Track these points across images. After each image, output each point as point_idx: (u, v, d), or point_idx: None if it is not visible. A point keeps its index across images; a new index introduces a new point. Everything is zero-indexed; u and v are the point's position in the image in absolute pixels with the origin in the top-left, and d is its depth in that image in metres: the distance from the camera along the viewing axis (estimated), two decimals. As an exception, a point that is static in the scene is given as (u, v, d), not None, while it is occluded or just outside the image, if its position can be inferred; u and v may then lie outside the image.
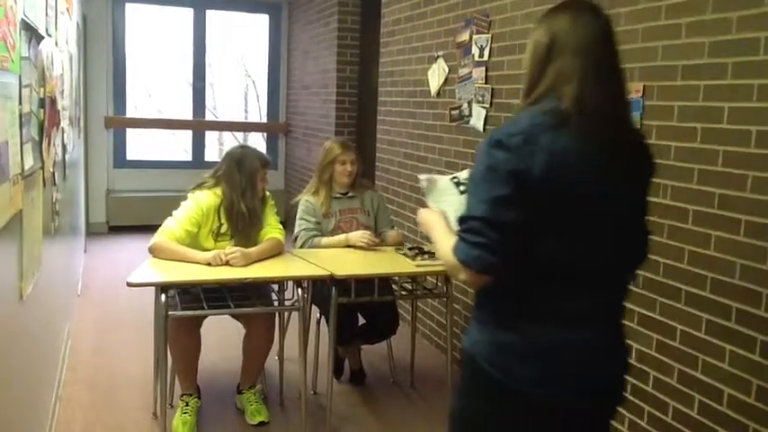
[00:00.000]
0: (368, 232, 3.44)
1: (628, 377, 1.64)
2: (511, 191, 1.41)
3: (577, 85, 1.45)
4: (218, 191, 3.20)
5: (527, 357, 1.47)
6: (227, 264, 2.98)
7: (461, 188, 1.78)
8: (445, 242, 1.54)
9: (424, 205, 1.85)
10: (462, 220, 1.48)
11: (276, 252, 3.23)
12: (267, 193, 3.40)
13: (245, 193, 3.19)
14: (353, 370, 3.73)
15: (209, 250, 3.07)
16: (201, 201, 3.18)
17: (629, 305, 2.70)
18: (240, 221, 3.19)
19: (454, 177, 1.83)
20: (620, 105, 1.52)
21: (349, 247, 3.41)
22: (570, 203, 1.45)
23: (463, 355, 1.59)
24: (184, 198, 3.23)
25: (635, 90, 2.66)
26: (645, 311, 2.64)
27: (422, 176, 1.88)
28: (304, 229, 3.46)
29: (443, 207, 1.74)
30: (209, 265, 2.96)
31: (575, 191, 1.44)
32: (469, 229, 1.45)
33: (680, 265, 2.48)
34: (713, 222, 2.35)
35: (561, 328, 1.48)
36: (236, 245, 3.10)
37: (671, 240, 2.52)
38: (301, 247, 3.44)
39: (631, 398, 2.71)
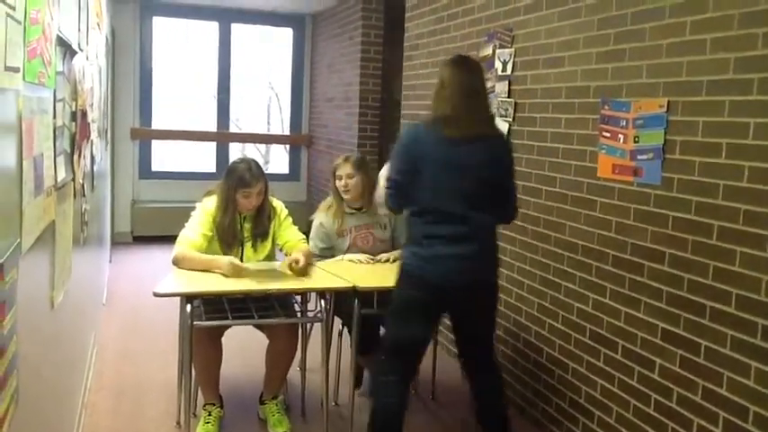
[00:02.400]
0: (364, 255, 3.47)
1: (488, 278, 2.83)
2: (403, 165, 2.71)
3: (448, 105, 2.66)
4: None
5: (428, 261, 2.67)
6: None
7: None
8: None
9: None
10: (387, 179, 2.78)
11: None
12: (279, 207, 3.44)
13: (224, 207, 3.25)
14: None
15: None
16: (207, 207, 3.28)
17: (653, 320, 2.70)
18: (219, 232, 3.25)
19: None
20: (478, 115, 2.70)
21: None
22: (430, 170, 2.63)
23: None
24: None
25: (659, 105, 2.66)
26: (669, 327, 2.63)
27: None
28: None
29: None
30: (226, 275, 3.01)
31: (436, 164, 2.63)
32: (388, 184, 2.77)
33: (704, 281, 2.47)
34: (738, 238, 2.34)
35: (441, 245, 2.66)
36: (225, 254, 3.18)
37: (696, 256, 2.51)
38: None
39: (655, 414, 2.69)
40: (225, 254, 3.20)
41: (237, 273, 3.02)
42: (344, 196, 3.52)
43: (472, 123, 2.65)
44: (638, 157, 2.77)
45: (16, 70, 1.45)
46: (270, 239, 3.38)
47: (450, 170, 2.63)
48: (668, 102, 2.63)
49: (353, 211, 3.56)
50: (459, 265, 2.68)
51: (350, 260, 3.44)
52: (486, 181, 2.68)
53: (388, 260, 3.46)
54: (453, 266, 2.67)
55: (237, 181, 3.23)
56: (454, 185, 2.64)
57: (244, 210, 3.28)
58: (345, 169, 3.49)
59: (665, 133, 2.64)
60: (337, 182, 3.51)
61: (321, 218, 3.57)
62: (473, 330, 2.90)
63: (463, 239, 2.67)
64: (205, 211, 3.27)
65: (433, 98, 2.75)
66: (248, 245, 3.32)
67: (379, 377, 2.87)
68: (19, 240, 1.51)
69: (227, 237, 3.25)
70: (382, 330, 3.51)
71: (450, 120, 2.63)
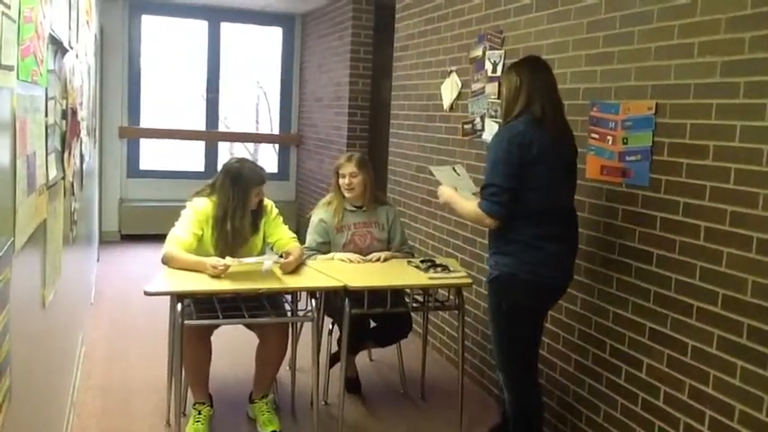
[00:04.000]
0: (355, 255, 3.48)
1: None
2: (515, 170, 2.55)
3: (541, 105, 2.61)
4: (214, 199, 3.27)
5: (542, 264, 2.61)
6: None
7: (457, 173, 2.95)
8: (468, 204, 2.74)
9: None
10: (486, 185, 2.60)
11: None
12: (269, 205, 3.44)
13: (235, 212, 3.21)
14: (349, 377, 3.62)
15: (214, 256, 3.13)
16: (198, 207, 3.25)
17: (640, 320, 2.73)
18: (221, 238, 3.22)
19: (453, 168, 2.99)
20: (561, 113, 2.71)
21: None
22: (543, 171, 2.57)
23: (493, 277, 2.69)
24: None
25: (647, 107, 2.69)
26: (656, 326, 2.66)
27: (433, 168, 3.24)
28: (306, 247, 3.52)
29: (452, 184, 2.94)
30: (216, 276, 3.00)
31: (546, 164, 2.57)
32: (491, 193, 2.58)
33: (692, 281, 2.50)
34: (725, 239, 2.37)
35: (554, 245, 2.62)
36: (219, 256, 3.12)
37: (683, 256, 2.54)
38: None
39: (642, 413, 2.72)
40: (216, 253, 3.19)
41: (221, 273, 3.01)
42: (347, 194, 3.57)
43: (561, 121, 2.68)
44: (627, 158, 2.80)
45: (10, 69, 1.45)
46: (260, 235, 3.39)
47: (557, 169, 2.63)
48: (656, 104, 2.66)
49: (354, 208, 3.60)
50: (567, 264, 2.73)
51: (340, 259, 3.46)
52: (573, 178, 2.76)
53: (378, 259, 3.48)
54: (564, 265, 2.71)
55: (250, 182, 3.23)
56: (561, 184, 2.67)
57: (252, 207, 3.30)
58: (349, 168, 3.54)
59: (654, 135, 2.67)
60: (340, 180, 3.57)
61: (321, 214, 3.60)
62: (539, 334, 2.88)
63: (569, 237, 2.72)
64: (196, 210, 3.25)
65: (509, 99, 2.67)
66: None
67: (526, 391, 2.80)
68: (12, 239, 1.51)
69: (242, 238, 3.24)
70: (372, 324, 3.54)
71: (544, 119, 2.59)
